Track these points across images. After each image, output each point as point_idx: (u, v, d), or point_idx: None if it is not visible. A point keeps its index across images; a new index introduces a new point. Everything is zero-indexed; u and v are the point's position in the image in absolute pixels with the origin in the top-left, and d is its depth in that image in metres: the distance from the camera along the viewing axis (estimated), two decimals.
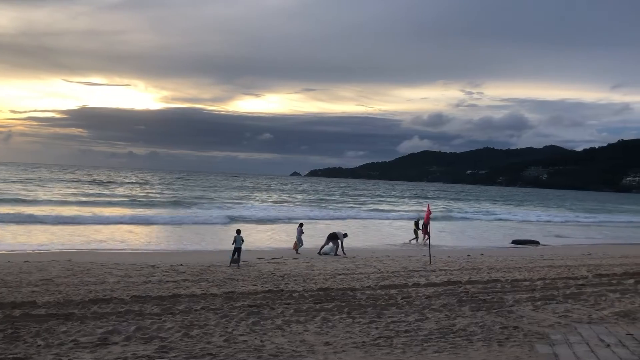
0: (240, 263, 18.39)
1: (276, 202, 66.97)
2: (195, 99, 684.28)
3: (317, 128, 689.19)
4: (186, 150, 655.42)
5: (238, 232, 19.56)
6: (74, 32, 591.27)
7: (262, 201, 66.47)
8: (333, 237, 23.77)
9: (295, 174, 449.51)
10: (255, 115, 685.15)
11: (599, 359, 7.34)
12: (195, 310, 10.34)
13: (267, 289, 13.11)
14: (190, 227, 33.53)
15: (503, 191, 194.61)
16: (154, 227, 32.89)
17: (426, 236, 30.05)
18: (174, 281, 14.33)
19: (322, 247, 23.70)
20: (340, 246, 23.44)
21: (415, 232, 31.05)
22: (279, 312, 10.32)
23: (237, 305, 10.87)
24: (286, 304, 11.08)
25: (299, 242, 23.95)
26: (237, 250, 18.68)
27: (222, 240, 27.18)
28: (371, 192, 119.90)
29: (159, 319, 9.59)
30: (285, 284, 14.27)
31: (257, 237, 29.61)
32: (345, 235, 24.30)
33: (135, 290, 12.60)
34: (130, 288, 13.00)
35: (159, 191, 74.03)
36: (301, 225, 25.39)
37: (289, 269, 17.80)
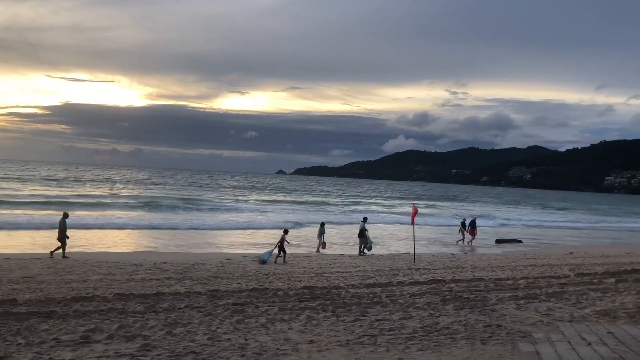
0: (278, 261, 19.48)
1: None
2: (180, 96, 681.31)
3: (302, 126, 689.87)
4: (170, 147, 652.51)
5: (285, 231, 21.29)
6: (57, 27, 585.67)
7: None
8: (360, 234, 23.69)
9: (280, 172, 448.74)
10: (240, 113, 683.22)
11: (580, 357, 7.41)
12: (179, 309, 10.27)
13: (251, 287, 13.06)
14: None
15: (497, 191, 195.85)
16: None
17: (472, 236, 31.18)
18: (158, 279, 14.23)
19: (360, 246, 23.59)
20: (366, 240, 23.46)
21: (462, 232, 31.66)
22: (263, 310, 10.30)
23: (221, 303, 10.82)
24: (270, 302, 11.05)
25: (319, 242, 23.91)
26: (280, 247, 20.02)
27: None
28: (375, 193, 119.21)
29: (142, 317, 9.51)
30: (270, 282, 14.24)
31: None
32: (364, 219, 24.73)
33: (118, 288, 12.49)
34: (113, 286, 12.88)
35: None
36: (323, 225, 25.13)
37: (273, 267, 17.78)
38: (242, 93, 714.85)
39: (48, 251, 18.91)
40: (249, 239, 28.93)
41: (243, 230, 32.86)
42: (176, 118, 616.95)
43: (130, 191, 68.50)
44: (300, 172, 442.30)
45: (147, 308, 10.25)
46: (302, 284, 13.93)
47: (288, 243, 20.55)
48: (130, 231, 30.12)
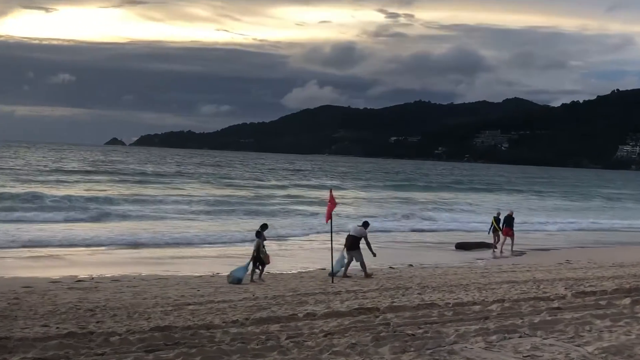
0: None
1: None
2: None
3: (150, 66, 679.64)
4: None
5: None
6: None
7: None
8: (353, 245, 23.28)
9: (114, 141, 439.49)
10: (43, 43, 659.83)
11: None
12: None
13: (66, 331, 12.79)
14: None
15: (459, 170, 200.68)
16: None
17: (507, 238, 33.48)
18: None
19: (347, 265, 23.34)
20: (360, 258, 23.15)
21: (496, 232, 33.67)
22: None
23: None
24: (98, 355, 10.91)
25: (259, 259, 22.71)
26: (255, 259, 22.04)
27: None
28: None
29: None
30: (98, 322, 14.05)
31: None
32: (365, 224, 24.18)
33: None
34: None
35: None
36: (264, 227, 23.80)
37: (104, 297, 17.54)
38: (45, 10, 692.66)
39: None
40: (65, 255, 28.27)
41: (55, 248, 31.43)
42: None
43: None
44: (147, 141, 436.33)
45: None
46: (151, 323, 13.81)
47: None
48: None
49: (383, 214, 54.89)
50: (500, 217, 34.45)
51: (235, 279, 21.20)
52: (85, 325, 13.61)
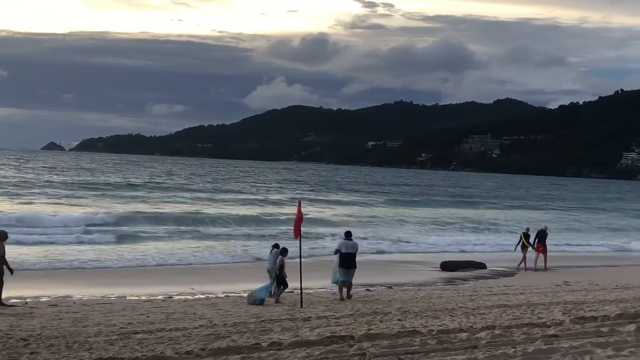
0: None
1: None
2: None
3: (93, 60, 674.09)
4: None
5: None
6: None
7: None
8: (352, 263, 23.56)
9: (52, 146, 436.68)
10: None
11: None
12: None
13: None
14: None
15: (445, 180, 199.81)
16: None
17: (543, 254, 35.50)
18: None
19: (349, 286, 23.54)
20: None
21: (524, 248, 35.54)
22: None
23: None
24: None
25: (271, 280, 23.27)
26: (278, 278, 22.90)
27: None
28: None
29: None
30: (32, 353, 13.93)
31: None
32: (349, 234, 24.67)
33: None
34: None
35: None
36: (282, 251, 23.85)
37: (39, 325, 17.39)
38: None
39: None
40: None
41: None
42: None
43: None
44: (91, 145, 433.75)
45: None
46: (93, 354, 13.77)
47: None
48: None
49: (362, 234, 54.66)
50: (529, 232, 36.24)
51: (257, 300, 22.06)
52: (17, 357, 13.55)
